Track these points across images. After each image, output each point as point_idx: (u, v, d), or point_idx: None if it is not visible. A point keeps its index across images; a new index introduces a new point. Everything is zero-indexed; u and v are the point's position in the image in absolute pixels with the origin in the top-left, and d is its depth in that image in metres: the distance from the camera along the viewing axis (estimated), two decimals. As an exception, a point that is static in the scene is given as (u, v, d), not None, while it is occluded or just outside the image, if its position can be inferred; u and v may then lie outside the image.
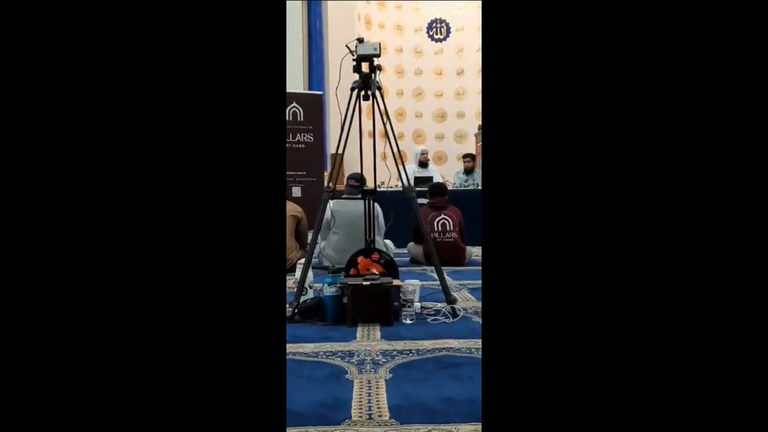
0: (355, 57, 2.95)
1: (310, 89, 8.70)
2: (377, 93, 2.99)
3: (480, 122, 9.46)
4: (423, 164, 6.91)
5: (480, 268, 4.62)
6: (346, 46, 2.96)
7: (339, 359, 2.15)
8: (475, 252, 5.27)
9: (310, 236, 3.82)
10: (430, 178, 6.22)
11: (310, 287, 3.08)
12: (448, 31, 10.43)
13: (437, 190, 5.00)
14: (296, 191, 7.16)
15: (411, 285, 2.93)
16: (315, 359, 2.15)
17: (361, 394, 1.76)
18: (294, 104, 7.45)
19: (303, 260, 3.10)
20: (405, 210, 4.21)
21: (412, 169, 6.55)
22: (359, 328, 2.61)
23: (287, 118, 7.21)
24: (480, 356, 2.15)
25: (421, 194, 4.25)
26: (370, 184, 3.64)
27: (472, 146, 9.34)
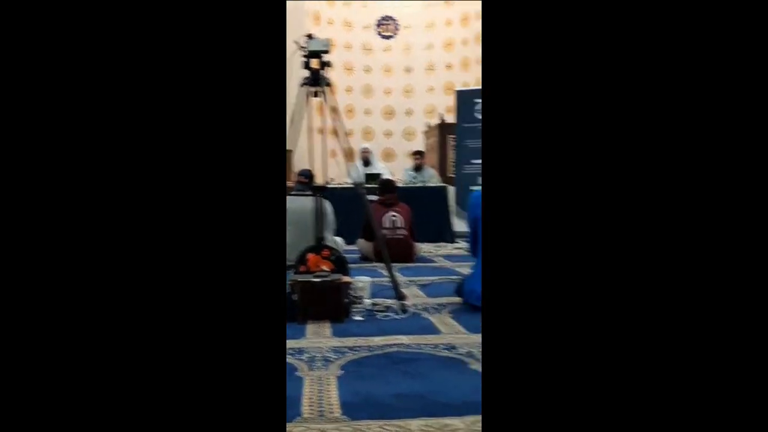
0: (304, 53, 2.93)
1: (257, 84, 8.58)
2: (326, 89, 2.98)
3: (427, 120, 9.53)
4: (366, 162, 6.90)
5: (428, 264, 4.67)
6: (295, 42, 2.94)
7: (289, 356, 2.13)
8: (423, 248, 5.32)
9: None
10: (379, 175, 6.23)
11: (259, 285, 3.04)
12: (397, 29, 10.46)
13: (387, 186, 5.01)
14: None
15: (361, 282, 2.94)
16: (265, 357, 2.13)
17: (311, 391, 1.76)
18: (241, 100, 7.34)
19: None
20: (354, 206, 4.22)
21: (358, 167, 6.54)
22: (309, 325, 2.60)
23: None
24: (429, 352, 2.18)
25: (370, 191, 4.25)
26: (319, 181, 3.62)
27: (420, 143, 9.39)
